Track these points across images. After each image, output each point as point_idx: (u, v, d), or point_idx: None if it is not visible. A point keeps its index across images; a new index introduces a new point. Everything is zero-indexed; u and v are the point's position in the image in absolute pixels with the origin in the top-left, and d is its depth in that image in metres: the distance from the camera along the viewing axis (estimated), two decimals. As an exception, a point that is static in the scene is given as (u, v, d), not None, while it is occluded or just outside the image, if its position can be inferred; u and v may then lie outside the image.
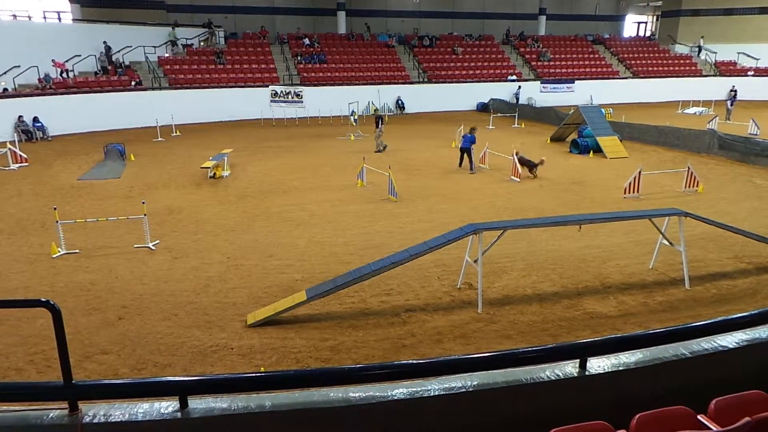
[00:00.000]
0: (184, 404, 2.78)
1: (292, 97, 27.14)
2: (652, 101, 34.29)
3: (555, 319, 7.23)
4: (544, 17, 39.30)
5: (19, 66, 23.33)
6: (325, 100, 27.39)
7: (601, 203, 12.74)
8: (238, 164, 16.88)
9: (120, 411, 2.77)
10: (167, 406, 2.80)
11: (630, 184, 13.28)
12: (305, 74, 30.12)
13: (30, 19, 27.06)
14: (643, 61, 37.47)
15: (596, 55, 37.69)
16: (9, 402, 2.81)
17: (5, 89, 23.03)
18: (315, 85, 29.18)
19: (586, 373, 3.04)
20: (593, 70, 36.12)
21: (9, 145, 16.92)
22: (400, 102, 30.64)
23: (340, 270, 8.46)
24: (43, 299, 2.63)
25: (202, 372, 6.07)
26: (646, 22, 47.66)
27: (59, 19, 29.31)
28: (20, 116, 21.35)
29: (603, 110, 21.89)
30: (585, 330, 6.92)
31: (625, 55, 37.78)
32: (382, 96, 29.76)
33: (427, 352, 6.40)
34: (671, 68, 37.24)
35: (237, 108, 27.01)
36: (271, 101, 26.77)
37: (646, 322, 7.13)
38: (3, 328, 6.93)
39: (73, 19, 29.73)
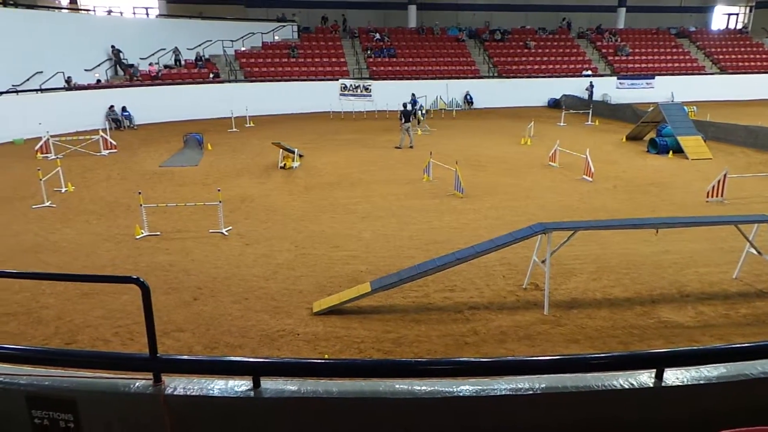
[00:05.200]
0: (257, 384, 2.89)
1: (361, 91, 27.44)
2: (742, 99, 31.88)
3: (626, 325, 6.94)
4: (623, 9, 37.41)
5: (111, 59, 25.04)
6: (393, 94, 27.45)
7: (680, 206, 12.05)
8: (307, 156, 17.30)
9: (198, 386, 2.91)
10: (241, 385, 2.92)
11: (714, 187, 12.46)
12: (374, 68, 30.36)
13: (122, 14, 28.91)
14: (733, 56, 34.92)
15: (680, 50, 35.51)
16: (102, 369, 3.03)
17: (98, 80, 24.79)
18: (384, 79, 29.35)
19: (663, 384, 2.90)
20: (676, 65, 34.08)
21: (101, 133, 18.24)
22: (468, 97, 30.24)
23: (404, 263, 8.51)
24: (134, 276, 2.80)
25: (269, 355, 6.31)
26: (737, 14, 44.26)
27: (147, 14, 31.11)
28: (111, 106, 22.91)
29: (686, 108, 20.64)
30: (659, 339, 6.60)
31: (713, 50, 35.36)
32: (450, 90, 29.50)
33: (490, 351, 6.34)
34: (765, 63, 34.46)
35: (308, 101, 27.63)
36: (341, 95, 27.18)
37: (728, 335, 6.70)
38: (93, 302, 7.51)
39: (157, 15, 31.49)
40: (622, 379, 2.92)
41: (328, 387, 2.91)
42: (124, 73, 25.94)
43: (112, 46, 26.17)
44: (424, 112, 24.51)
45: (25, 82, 21.92)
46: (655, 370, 2.95)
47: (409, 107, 19.56)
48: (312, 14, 35.36)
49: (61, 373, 2.98)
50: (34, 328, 6.89)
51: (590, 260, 8.97)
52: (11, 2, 24.72)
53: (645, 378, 2.93)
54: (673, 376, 2.95)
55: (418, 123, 22.93)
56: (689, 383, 2.92)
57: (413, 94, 24.33)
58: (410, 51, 32.24)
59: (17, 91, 21.14)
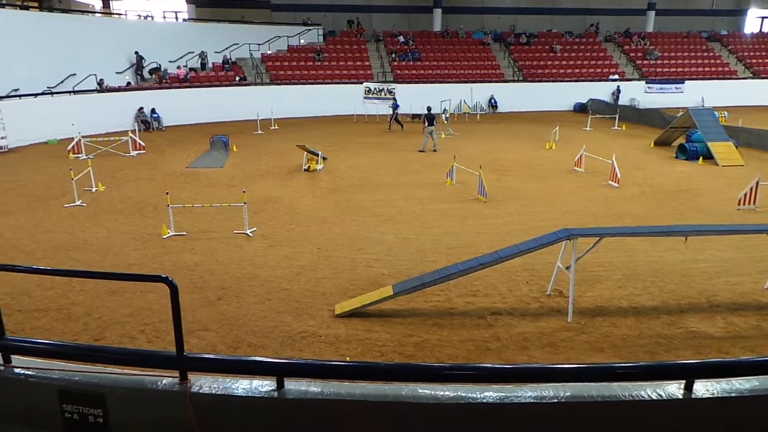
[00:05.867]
0: (280, 384, 2.92)
1: (385, 94, 27.51)
2: (776, 105, 31.04)
3: (653, 335, 6.80)
4: (653, 12, 36.77)
5: (133, 65, 25.58)
6: (417, 98, 27.48)
7: (710, 214, 11.77)
8: (331, 159, 17.40)
9: (223, 385, 2.96)
10: (265, 385, 2.95)
11: (746, 194, 12.13)
12: (399, 71, 30.39)
13: (152, 18, 29.56)
14: (766, 60, 33.98)
15: (711, 54, 34.74)
16: (131, 366, 3.09)
17: (128, 83, 25.36)
18: (408, 83, 29.37)
19: (693, 396, 2.83)
20: (707, 69, 33.33)
21: (130, 134, 18.67)
22: (492, 101, 30.05)
23: (427, 267, 8.49)
24: (163, 275, 2.85)
25: (291, 356, 6.35)
26: (773, 17, 43.08)
27: (176, 18, 31.75)
28: (141, 108, 23.42)
29: (716, 113, 20.16)
30: (687, 350, 6.45)
31: (746, 54, 34.49)
32: (474, 94, 29.36)
33: (513, 358, 6.27)
34: (801, 68, 33.52)
35: (332, 104, 27.81)
36: (365, 98, 27.30)
37: (759, 346, 6.51)
38: (120, 300, 7.67)
39: (184, 19, 32.11)
40: (650, 390, 2.86)
41: (351, 389, 2.92)
42: (153, 76, 26.46)
43: (136, 53, 26.62)
44: (447, 116, 24.43)
45: (59, 84, 22.58)
46: (684, 381, 2.89)
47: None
48: (337, 18, 35.59)
49: (91, 369, 3.05)
50: (64, 324, 7.07)
51: (616, 267, 8.81)
52: (47, 7, 25.50)
53: (674, 389, 2.87)
54: (703, 388, 2.89)
55: (390, 127, 23.95)
56: (720, 396, 2.85)
57: (395, 98, 24.55)
58: (435, 54, 32.20)
59: (52, 93, 21.78)
